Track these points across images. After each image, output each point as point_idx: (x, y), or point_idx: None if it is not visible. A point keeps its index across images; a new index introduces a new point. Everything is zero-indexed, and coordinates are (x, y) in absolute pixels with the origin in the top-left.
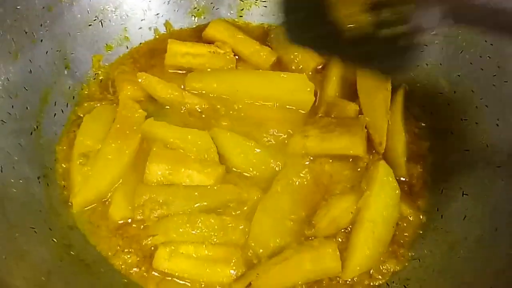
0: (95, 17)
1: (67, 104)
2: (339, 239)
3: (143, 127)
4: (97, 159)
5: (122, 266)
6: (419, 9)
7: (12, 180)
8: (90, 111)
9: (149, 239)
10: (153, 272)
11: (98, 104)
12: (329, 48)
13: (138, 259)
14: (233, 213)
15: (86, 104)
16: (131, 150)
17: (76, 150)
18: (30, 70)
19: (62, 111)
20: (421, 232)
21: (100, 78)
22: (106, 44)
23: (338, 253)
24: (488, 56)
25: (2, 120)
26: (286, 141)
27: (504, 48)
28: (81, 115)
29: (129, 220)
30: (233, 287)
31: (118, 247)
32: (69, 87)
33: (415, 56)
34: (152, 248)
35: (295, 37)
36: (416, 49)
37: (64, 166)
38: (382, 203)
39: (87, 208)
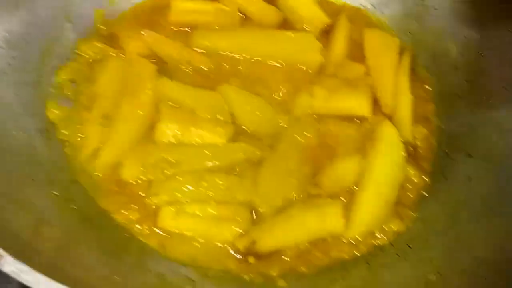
0: None
1: (69, 57)
2: (343, 199)
3: (157, 86)
4: (113, 120)
5: (124, 222)
6: None
7: (14, 132)
8: (92, 65)
9: (152, 198)
10: (156, 229)
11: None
12: None
13: (140, 216)
14: (244, 172)
15: (87, 58)
16: (144, 109)
17: (95, 111)
18: (31, 22)
19: (64, 65)
20: (426, 194)
21: (103, 33)
22: None
23: (342, 211)
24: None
25: (3, 71)
26: (292, 101)
27: None
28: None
29: (139, 181)
30: (236, 243)
31: (121, 203)
32: (71, 40)
33: None
34: (154, 207)
35: None
36: None
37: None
38: (387, 163)
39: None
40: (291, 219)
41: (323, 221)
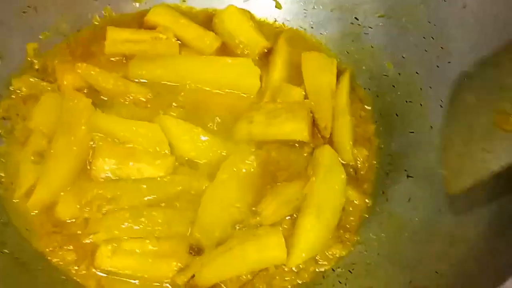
0: (29, 4)
1: (1, 95)
2: (285, 226)
3: (91, 120)
4: (48, 158)
5: (60, 263)
6: None
7: None
8: (27, 101)
9: (90, 238)
10: (94, 270)
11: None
12: None
13: (77, 257)
14: (184, 204)
15: (21, 94)
16: (80, 145)
17: (29, 148)
18: None
19: None
20: (367, 216)
21: (36, 67)
22: (42, 32)
23: (283, 241)
24: (432, 37)
25: None
26: (233, 127)
27: (448, 29)
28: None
29: (74, 220)
30: (176, 279)
31: (56, 244)
32: (2, 77)
33: None
34: (91, 246)
35: None
36: None
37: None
38: (327, 188)
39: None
40: (230, 251)
41: (264, 251)
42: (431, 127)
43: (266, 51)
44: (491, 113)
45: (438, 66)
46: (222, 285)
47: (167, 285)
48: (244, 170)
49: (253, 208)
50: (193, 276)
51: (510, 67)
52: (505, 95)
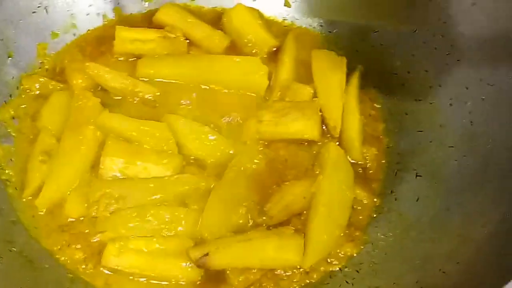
0: (39, 3)
1: (11, 94)
2: (293, 226)
3: (99, 120)
4: (56, 157)
5: (68, 261)
6: None
7: None
8: (36, 100)
9: (97, 236)
10: (101, 269)
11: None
12: None
13: (85, 255)
14: (191, 203)
15: (31, 93)
16: (88, 144)
17: (37, 147)
18: None
19: (5, 102)
20: (375, 215)
21: (46, 67)
22: (52, 32)
23: (303, 247)
24: (441, 35)
25: None
26: (241, 126)
27: (457, 26)
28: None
29: (82, 218)
30: (190, 253)
31: (64, 242)
32: (13, 77)
33: None
34: (99, 244)
35: None
36: None
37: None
38: (335, 186)
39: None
40: (249, 242)
41: (282, 252)
42: (441, 125)
43: (274, 49)
44: None
45: (447, 64)
46: (230, 282)
47: (175, 284)
48: (251, 169)
49: (260, 207)
50: (207, 254)
51: None
52: None
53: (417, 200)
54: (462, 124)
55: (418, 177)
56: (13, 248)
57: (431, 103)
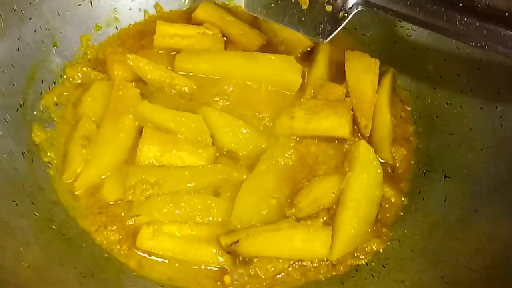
0: None
1: (55, 82)
2: (322, 219)
3: (138, 109)
4: (95, 142)
5: (104, 242)
6: None
7: None
8: (78, 89)
9: (132, 219)
10: (135, 250)
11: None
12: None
13: (120, 237)
14: (223, 193)
15: (73, 82)
16: (127, 132)
17: (78, 133)
18: (18, 48)
19: (49, 89)
20: (402, 213)
21: (89, 57)
22: (96, 24)
23: (330, 240)
24: None
25: None
26: (273, 122)
27: None
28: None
29: (119, 202)
30: (221, 239)
31: (101, 223)
32: (57, 65)
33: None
34: (134, 227)
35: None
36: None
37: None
38: (364, 182)
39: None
40: (279, 232)
41: (310, 244)
42: (471, 129)
43: (308, 49)
44: None
45: (479, 69)
46: (258, 270)
47: (205, 268)
48: (282, 163)
49: (290, 200)
50: (237, 241)
51: None
52: None
53: (444, 201)
54: (492, 128)
55: (446, 178)
56: (53, 226)
57: (461, 107)
